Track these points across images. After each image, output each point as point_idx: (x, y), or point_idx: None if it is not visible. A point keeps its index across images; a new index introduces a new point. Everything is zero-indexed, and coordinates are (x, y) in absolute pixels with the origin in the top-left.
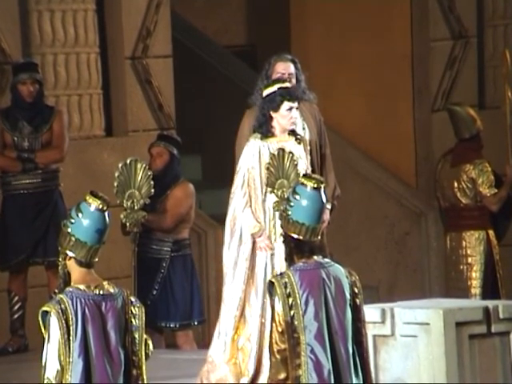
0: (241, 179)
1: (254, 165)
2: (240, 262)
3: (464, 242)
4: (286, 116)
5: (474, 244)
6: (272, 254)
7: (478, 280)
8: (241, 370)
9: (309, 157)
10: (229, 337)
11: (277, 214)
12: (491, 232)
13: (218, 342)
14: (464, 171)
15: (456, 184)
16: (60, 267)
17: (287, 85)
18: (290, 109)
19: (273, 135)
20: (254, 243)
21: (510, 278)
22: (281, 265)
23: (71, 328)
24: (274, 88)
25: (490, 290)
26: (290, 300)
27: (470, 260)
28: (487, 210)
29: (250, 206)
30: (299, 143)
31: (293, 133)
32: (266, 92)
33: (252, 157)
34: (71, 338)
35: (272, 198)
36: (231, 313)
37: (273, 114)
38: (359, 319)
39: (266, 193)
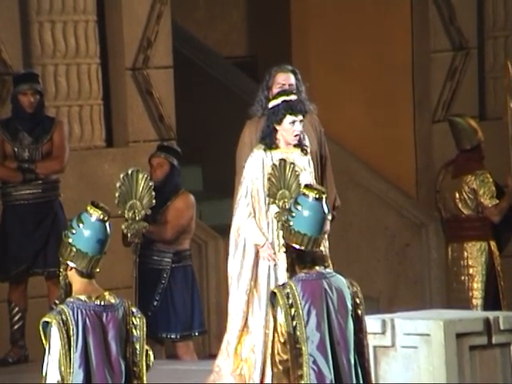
0: (244, 189)
1: (257, 175)
2: (244, 272)
3: (465, 253)
4: (289, 129)
5: (475, 255)
6: (275, 265)
7: (479, 291)
8: (245, 380)
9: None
10: (232, 347)
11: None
12: (493, 243)
13: (225, 353)
14: (465, 182)
15: (457, 195)
16: (61, 278)
17: (292, 98)
18: (293, 122)
19: (277, 147)
20: (257, 253)
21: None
22: (284, 275)
23: (72, 339)
24: (279, 101)
25: (492, 301)
26: (292, 310)
27: (471, 271)
28: (489, 220)
29: (254, 216)
30: (305, 154)
31: (299, 144)
32: (271, 104)
33: (255, 168)
34: (72, 348)
35: (275, 209)
36: (235, 323)
37: (277, 127)
38: (361, 330)
39: (268, 203)
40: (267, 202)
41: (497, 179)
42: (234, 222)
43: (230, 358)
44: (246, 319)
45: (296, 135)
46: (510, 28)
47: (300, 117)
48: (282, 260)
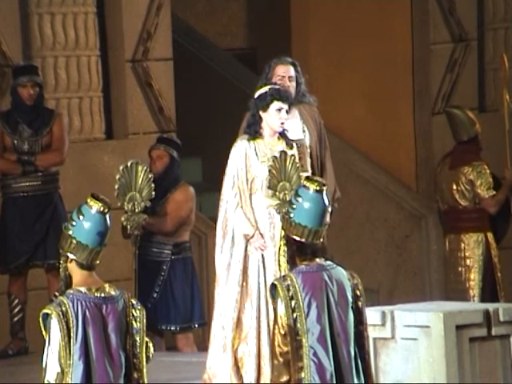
0: (230, 181)
1: (241, 166)
2: (233, 263)
3: (463, 244)
4: (275, 116)
5: (472, 246)
6: (262, 256)
7: (476, 282)
8: (241, 373)
9: (309, 159)
10: (228, 339)
11: (263, 216)
12: (490, 234)
13: (214, 347)
14: (463, 173)
15: (455, 186)
16: (61, 270)
17: (279, 87)
18: (280, 109)
19: (261, 136)
20: (246, 244)
21: (509, 280)
22: (272, 266)
23: (72, 330)
24: (266, 89)
25: (489, 292)
26: (293, 303)
27: (468, 262)
28: (486, 212)
29: (241, 206)
30: (290, 148)
31: (284, 137)
32: (257, 93)
33: (239, 158)
34: (72, 340)
35: (257, 200)
36: (229, 315)
37: (262, 114)
38: (361, 322)
39: (251, 194)
40: (250, 192)
41: (496, 171)
42: (220, 213)
43: (227, 352)
44: (240, 310)
45: (282, 123)
46: (509, 20)
47: (286, 106)
48: (271, 251)
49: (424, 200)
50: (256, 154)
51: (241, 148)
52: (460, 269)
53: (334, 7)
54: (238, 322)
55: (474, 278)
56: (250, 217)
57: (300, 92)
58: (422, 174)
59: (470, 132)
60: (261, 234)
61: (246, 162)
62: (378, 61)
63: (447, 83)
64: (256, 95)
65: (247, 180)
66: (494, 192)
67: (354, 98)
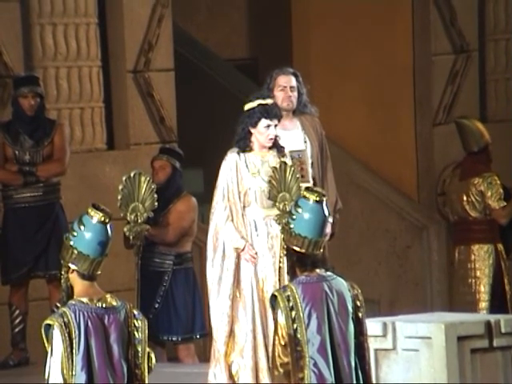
0: (220, 194)
1: (232, 179)
2: (224, 276)
3: (473, 256)
4: (264, 133)
5: (482, 257)
6: (256, 265)
7: (486, 294)
8: None
9: (310, 170)
10: (221, 353)
11: (260, 227)
12: (500, 246)
13: (215, 362)
14: (473, 184)
15: (465, 197)
16: (63, 280)
17: (268, 102)
18: (268, 126)
19: (251, 149)
20: (237, 257)
21: None
22: (265, 278)
23: (74, 341)
24: (255, 104)
25: (498, 303)
26: (293, 313)
27: (478, 273)
28: (496, 223)
29: (232, 219)
30: (282, 156)
31: (275, 146)
32: (246, 107)
33: (230, 171)
34: (74, 351)
35: (253, 211)
36: (221, 329)
37: (251, 130)
38: (361, 332)
39: (244, 207)
40: (242, 205)
41: (503, 182)
42: (211, 227)
43: (220, 365)
44: (232, 324)
45: (270, 139)
46: (510, 31)
47: (275, 121)
48: (264, 262)
49: (425, 210)
50: (246, 166)
51: (231, 161)
52: (470, 280)
53: (335, 18)
54: (232, 335)
55: (484, 290)
56: (240, 230)
57: (302, 102)
58: (424, 184)
59: (479, 142)
60: (251, 246)
61: (238, 175)
62: (379, 71)
63: (448, 94)
64: (246, 108)
65: (239, 192)
66: (505, 203)
67: (356, 109)
